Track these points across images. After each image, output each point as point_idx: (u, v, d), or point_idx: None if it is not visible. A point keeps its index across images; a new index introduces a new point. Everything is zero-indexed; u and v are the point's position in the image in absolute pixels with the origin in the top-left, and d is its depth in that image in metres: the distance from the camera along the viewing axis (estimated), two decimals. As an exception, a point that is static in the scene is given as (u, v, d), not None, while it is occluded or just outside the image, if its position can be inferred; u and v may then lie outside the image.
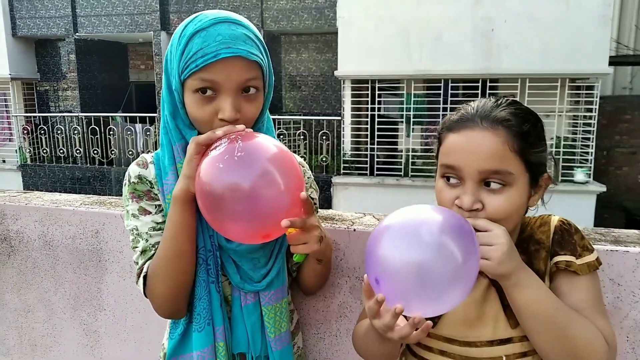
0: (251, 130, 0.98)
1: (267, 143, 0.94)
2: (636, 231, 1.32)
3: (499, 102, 0.92)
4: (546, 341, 0.87)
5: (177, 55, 0.96)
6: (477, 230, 0.86)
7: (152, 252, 1.03)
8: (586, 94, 8.31)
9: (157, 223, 1.05)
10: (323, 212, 1.47)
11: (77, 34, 11.62)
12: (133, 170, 1.07)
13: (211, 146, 0.93)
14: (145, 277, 1.03)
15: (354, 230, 1.32)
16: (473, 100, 0.96)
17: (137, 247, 1.05)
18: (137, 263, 1.05)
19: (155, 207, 1.06)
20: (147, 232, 1.04)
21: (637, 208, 9.58)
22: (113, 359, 1.66)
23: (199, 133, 1.00)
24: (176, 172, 1.03)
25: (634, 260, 1.15)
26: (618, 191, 10.06)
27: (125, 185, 1.07)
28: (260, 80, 1.00)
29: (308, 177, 1.20)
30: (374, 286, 0.86)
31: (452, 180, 0.91)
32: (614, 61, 9.18)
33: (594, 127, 8.14)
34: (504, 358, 0.92)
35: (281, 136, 8.83)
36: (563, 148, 8.26)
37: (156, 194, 1.06)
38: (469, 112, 0.91)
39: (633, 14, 11.51)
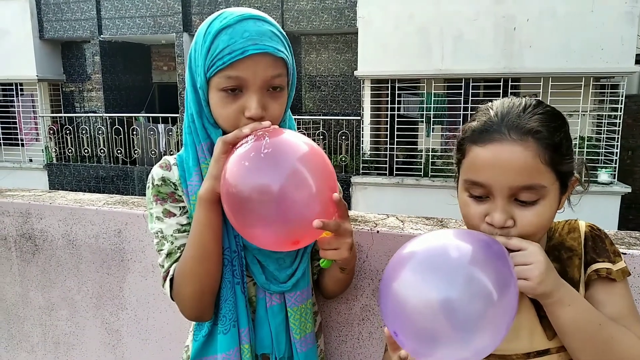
0: (277, 126, 0.96)
1: (296, 139, 0.90)
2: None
3: (525, 106, 0.84)
4: (590, 357, 0.84)
5: (202, 53, 0.95)
6: (510, 250, 0.81)
7: (178, 254, 1.02)
8: (611, 92, 8.12)
9: (182, 225, 1.04)
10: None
11: (101, 36, 11.82)
12: (156, 172, 1.05)
13: (237, 145, 0.92)
14: (171, 280, 1.02)
15: (377, 232, 1.30)
16: (493, 101, 0.90)
17: (162, 249, 1.03)
18: (163, 266, 1.03)
19: (180, 209, 1.04)
20: (172, 235, 1.03)
21: (665, 210, 9.32)
22: (135, 358, 1.67)
23: (224, 132, 0.99)
24: (200, 173, 1.02)
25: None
26: (645, 193, 9.80)
27: (148, 188, 1.06)
28: (285, 78, 0.99)
29: None
30: (394, 337, 0.79)
31: (479, 198, 0.85)
32: (641, 59, 8.93)
33: (619, 126, 7.94)
34: None
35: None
36: (587, 148, 8.08)
37: (180, 196, 1.05)
38: (494, 121, 0.83)
39: (661, 11, 11.18)
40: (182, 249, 1.02)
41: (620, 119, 7.94)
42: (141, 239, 1.58)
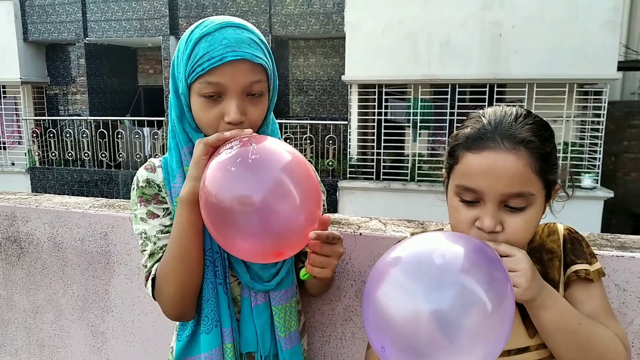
0: (257, 134, 0.98)
1: (280, 148, 0.91)
2: (643, 237, 1.31)
3: (517, 115, 0.87)
4: (571, 354, 0.87)
5: (183, 59, 0.98)
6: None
7: (160, 254, 1.04)
8: (594, 99, 8.26)
9: (165, 226, 1.06)
10: (329, 216, 1.48)
11: (87, 38, 11.73)
12: (141, 174, 1.08)
13: (219, 148, 0.94)
14: (153, 280, 1.04)
15: (360, 234, 1.33)
16: (483, 108, 0.93)
17: (145, 250, 1.06)
18: (146, 266, 1.06)
19: (163, 210, 1.07)
20: (155, 235, 1.05)
21: (646, 214, 9.50)
22: (120, 361, 1.68)
23: (205, 136, 1.01)
24: (184, 175, 1.04)
25: (640, 266, 1.15)
26: (626, 197, 9.98)
27: (133, 189, 1.09)
28: (265, 84, 1.02)
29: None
30: (379, 354, 0.74)
31: (470, 203, 0.88)
32: (623, 66, 9.12)
33: (602, 132, 8.09)
34: None
35: (287, 140, 8.85)
36: (570, 153, 8.21)
37: (164, 198, 1.07)
38: (487, 129, 0.86)
39: (642, 19, 11.44)
40: (164, 249, 1.04)
41: (603, 125, 8.08)
42: (127, 242, 1.59)
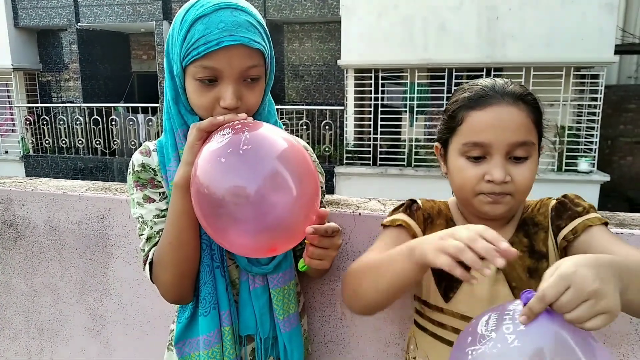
0: (253, 119, 0.95)
1: (276, 135, 0.88)
2: (642, 215, 1.32)
3: (504, 80, 0.96)
4: None
5: (178, 41, 0.95)
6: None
7: (157, 238, 1.04)
8: (591, 82, 8.26)
9: (161, 210, 1.05)
10: (328, 197, 1.47)
11: (79, 24, 11.59)
12: (136, 158, 1.07)
13: (212, 133, 0.91)
14: (151, 264, 1.04)
15: (360, 214, 1.32)
16: (474, 81, 0.98)
17: (142, 234, 1.06)
18: (143, 250, 1.06)
19: (160, 195, 1.06)
20: (151, 220, 1.04)
21: (640, 197, 9.56)
22: (119, 343, 1.68)
23: (201, 119, 0.99)
24: (178, 158, 1.02)
25: (639, 242, 1.15)
26: (622, 181, 10.04)
27: (129, 174, 1.08)
28: (262, 68, 0.99)
29: (313, 161, 1.19)
30: None
31: (477, 159, 0.92)
32: (620, 50, 9.10)
33: (598, 116, 8.09)
34: None
35: (284, 126, 8.80)
36: (567, 137, 8.22)
37: (160, 182, 1.06)
38: (487, 90, 0.92)
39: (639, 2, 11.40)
40: (161, 233, 1.03)
41: (599, 109, 8.08)
42: (125, 225, 1.58)
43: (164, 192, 1.06)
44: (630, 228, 1.19)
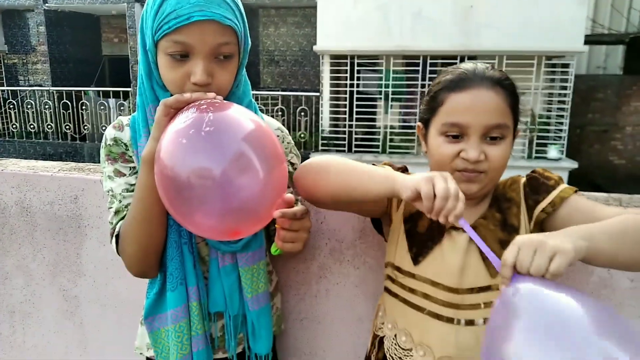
0: (222, 99, 0.94)
1: (243, 117, 0.87)
2: (604, 194, 1.37)
3: (485, 65, 1.00)
4: (632, 253, 0.85)
5: (151, 15, 0.95)
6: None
7: (125, 212, 1.05)
8: (561, 72, 8.45)
9: (131, 184, 1.06)
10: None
11: (46, 4, 11.21)
12: (109, 132, 1.08)
13: (180, 110, 0.90)
14: (117, 237, 1.05)
15: (335, 193, 1.34)
16: (457, 65, 1.01)
17: (111, 207, 1.07)
18: (112, 223, 1.07)
19: (130, 169, 1.07)
20: (120, 194, 1.05)
21: (607, 184, 9.86)
22: (93, 324, 1.67)
23: (172, 95, 0.99)
24: (149, 134, 1.02)
25: (602, 220, 1.20)
26: (590, 168, 10.33)
27: (102, 147, 1.09)
28: (234, 46, 0.98)
29: (288, 143, 1.20)
30: None
31: (455, 138, 0.97)
32: (589, 40, 9.31)
33: (568, 105, 8.30)
34: (482, 305, 0.98)
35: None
36: (538, 125, 8.41)
37: (131, 156, 1.07)
38: (468, 73, 0.97)
39: (608, -6, 11.65)
40: (129, 207, 1.04)
41: (569, 98, 8.29)
42: (98, 205, 1.56)
43: (134, 167, 1.07)
44: (593, 206, 1.24)
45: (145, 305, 1.12)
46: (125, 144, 1.07)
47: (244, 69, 1.08)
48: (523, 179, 1.06)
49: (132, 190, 1.05)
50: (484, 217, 1.02)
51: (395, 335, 1.06)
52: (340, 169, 0.99)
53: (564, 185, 1.00)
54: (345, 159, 1.01)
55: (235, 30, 0.97)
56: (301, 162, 1.16)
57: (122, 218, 1.05)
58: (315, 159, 1.04)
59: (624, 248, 0.84)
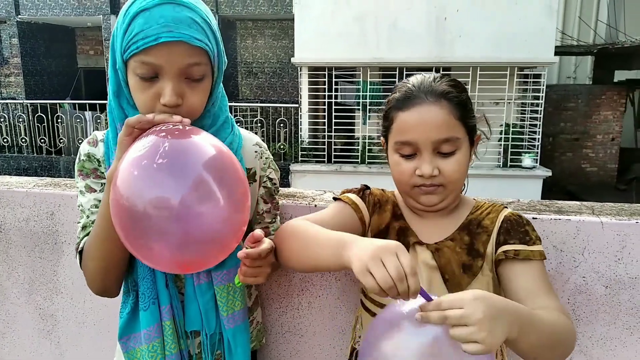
0: (189, 123, 0.90)
1: (202, 145, 0.84)
2: (577, 202, 1.41)
3: (434, 77, 1.01)
4: (543, 354, 0.85)
5: (120, 34, 0.93)
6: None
7: (91, 228, 1.04)
8: (534, 82, 8.67)
9: (99, 201, 1.05)
10: (284, 190, 1.50)
11: (19, 16, 11.03)
12: (83, 147, 1.08)
13: (144, 132, 0.88)
14: (82, 252, 1.05)
15: (315, 206, 1.35)
16: (408, 78, 1.04)
17: (80, 222, 1.07)
18: (79, 237, 1.07)
19: (101, 185, 1.07)
20: (89, 209, 1.05)
21: (580, 191, 10.10)
22: (71, 343, 1.64)
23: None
24: None
25: (575, 227, 1.24)
26: (563, 176, 10.59)
27: (76, 162, 1.09)
28: (206, 67, 0.96)
29: (267, 158, 1.19)
30: None
31: (409, 155, 0.98)
32: (560, 51, 9.60)
33: (540, 114, 8.52)
34: None
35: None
36: (512, 134, 8.59)
37: (103, 172, 1.07)
38: (412, 90, 0.98)
39: (577, 6, 12.04)
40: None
41: (542, 107, 8.51)
42: (75, 221, 1.53)
43: (104, 184, 1.06)
44: (567, 214, 1.27)
45: (119, 324, 1.10)
46: (98, 160, 1.07)
47: (220, 86, 1.07)
48: (505, 212, 1.04)
49: None
50: (452, 239, 1.03)
51: None
52: (300, 240, 0.96)
53: (539, 247, 0.98)
54: (308, 226, 0.97)
55: (206, 51, 0.95)
56: (281, 175, 1.16)
57: (88, 234, 1.04)
58: (289, 224, 1.02)
59: (541, 352, 0.83)
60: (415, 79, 1.01)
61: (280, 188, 1.46)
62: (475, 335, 0.72)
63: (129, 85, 0.96)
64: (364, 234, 1.10)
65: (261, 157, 1.17)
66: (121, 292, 1.09)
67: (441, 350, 0.77)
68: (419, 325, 0.77)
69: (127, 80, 0.97)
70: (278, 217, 1.23)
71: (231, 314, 1.10)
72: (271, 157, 1.22)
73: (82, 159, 1.07)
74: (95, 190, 1.06)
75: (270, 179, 1.19)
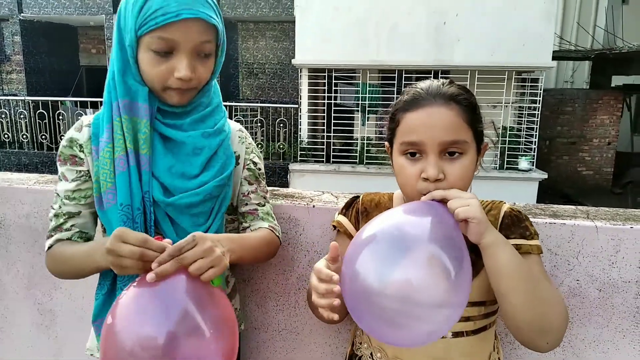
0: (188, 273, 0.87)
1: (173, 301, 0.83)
2: (572, 206, 1.43)
3: (442, 82, 1.00)
4: (521, 296, 0.88)
5: (134, 11, 0.97)
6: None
7: (61, 221, 1.07)
8: (531, 86, 8.71)
9: (72, 191, 1.07)
10: (283, 190, 1.51)
11: (22, 14, 11.03)
12: (68, 133, 1.10)
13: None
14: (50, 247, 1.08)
15: (313, 206, 1.37)
16: (415, 83, 1.03)
17: (53, 207, 1.08)
18: (51, 221, 1.08)
19: (76, 173, 1.07)
20: (62, 199, 1.07)
21: (575, 194, 10.14)
22: (70, 338, 1.65)
23: (150, 89, 1.02)
24: (111, 130, 1.03)
25: (570, 231, 1.26)
26: (559, 179, 10.63)
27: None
28: (214, 45, 1.03)
29: (250, 143, 1.21)
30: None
31: (414, 156, 0.97)
32: (557, 56, 9.64)
33: (537, 118, 8.56)
34: None
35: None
36: (509, 137, 8.62)
37: (82, 159, 1.07)
38: (421, 92, 0.98)
39: (575, 12, 12.09)
40: (67, 216, 1.07)
41: (539, 111, 8.55)
42: (76, 218, 1.55)
43: (81, 171, 1.07)
44: (562, 218, 1.29)
45: (94, 306, 1.11)
46: (80, 145, 1.07)
47: (219, 69, 1.11)
48: (505, 208, 1.05)
49: (72, 199, 1.06)
50: None
51: (371, 354, 1.08)
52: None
53: (536, 242, 1.00)
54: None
55: (216, 30, 1.02)
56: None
57: (59, 226, 1.07)
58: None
59: (517, 280, 0.88)
60: (424, 83, 1.01)
61: (278, 188, 1.47)
62: (470, 211, 0.86)
63: (139, 61, 1.00)
64: None
65: (244, 142, 1.20)
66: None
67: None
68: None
69: (136, 57, 1.00)
70: (269, 204, 1.23)
71: None
72: (254, 143, 1.25)
73: (64, 145, 1.09)
74: (68, 180, 1.07)
75: (255, 163, 1.21)
